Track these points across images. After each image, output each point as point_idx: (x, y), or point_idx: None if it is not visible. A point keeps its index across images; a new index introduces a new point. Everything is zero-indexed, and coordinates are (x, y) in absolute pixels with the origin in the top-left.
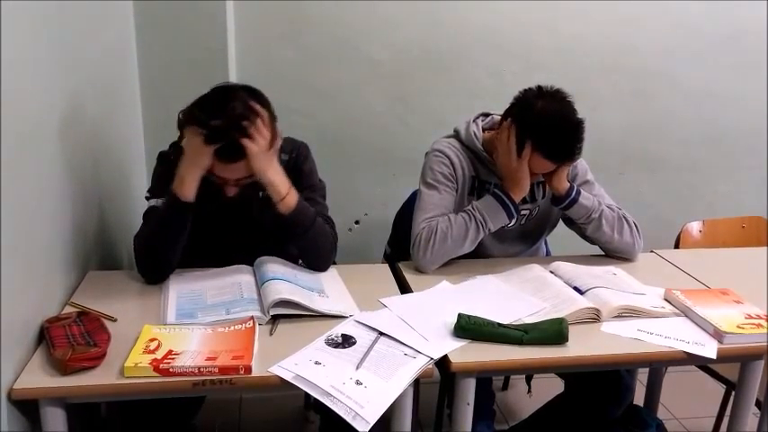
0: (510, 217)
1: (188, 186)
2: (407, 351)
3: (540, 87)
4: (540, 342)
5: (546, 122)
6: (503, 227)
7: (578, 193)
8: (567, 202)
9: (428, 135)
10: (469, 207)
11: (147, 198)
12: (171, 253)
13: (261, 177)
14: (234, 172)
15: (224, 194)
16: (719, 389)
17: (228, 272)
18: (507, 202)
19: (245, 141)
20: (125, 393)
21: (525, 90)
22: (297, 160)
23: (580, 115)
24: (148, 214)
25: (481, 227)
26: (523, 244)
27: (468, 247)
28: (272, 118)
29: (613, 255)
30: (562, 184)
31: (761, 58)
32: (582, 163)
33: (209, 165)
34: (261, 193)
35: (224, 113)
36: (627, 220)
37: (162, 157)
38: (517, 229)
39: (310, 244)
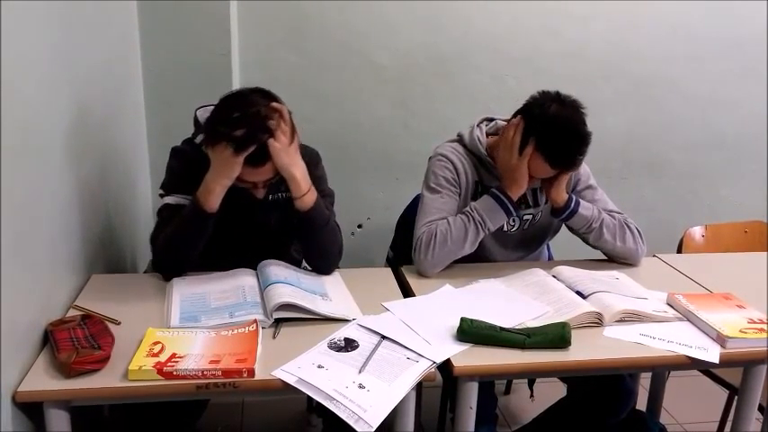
0: (508, 215)
1: (216, 197)
2: (410, 355)
3: (558, 93)
4: (542, 346)
5: (555, 126)
6: (505, 232)
7: (577, 203)
8: (566, 213)
9: (430, 139)
10: (468, 208)
11: (161, 195)
12: (192, 254)
13: (285, 172)
14: (262, 174)
15: (253, 197)
16: (722, 393)
17: (232, 275)
18: (505, 200)
19: (270, 140)
20: (129, 396)
21: (543, 92)
22: (309, 166)
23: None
24: (164, 212)
25: (480, 227)
26: (526, 249)
27: (468, 249)
28: (289, 112)
29: (616, 260)
30: (561, 196)
31: (762, 63)
32: (585, 167)
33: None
34: (270, 197)
35: (247, 120)
36: (629, 227)
37: (176, 153)
38: (520, 234)
39: (320, 244)
